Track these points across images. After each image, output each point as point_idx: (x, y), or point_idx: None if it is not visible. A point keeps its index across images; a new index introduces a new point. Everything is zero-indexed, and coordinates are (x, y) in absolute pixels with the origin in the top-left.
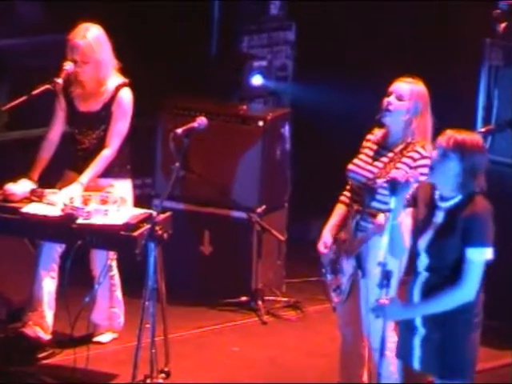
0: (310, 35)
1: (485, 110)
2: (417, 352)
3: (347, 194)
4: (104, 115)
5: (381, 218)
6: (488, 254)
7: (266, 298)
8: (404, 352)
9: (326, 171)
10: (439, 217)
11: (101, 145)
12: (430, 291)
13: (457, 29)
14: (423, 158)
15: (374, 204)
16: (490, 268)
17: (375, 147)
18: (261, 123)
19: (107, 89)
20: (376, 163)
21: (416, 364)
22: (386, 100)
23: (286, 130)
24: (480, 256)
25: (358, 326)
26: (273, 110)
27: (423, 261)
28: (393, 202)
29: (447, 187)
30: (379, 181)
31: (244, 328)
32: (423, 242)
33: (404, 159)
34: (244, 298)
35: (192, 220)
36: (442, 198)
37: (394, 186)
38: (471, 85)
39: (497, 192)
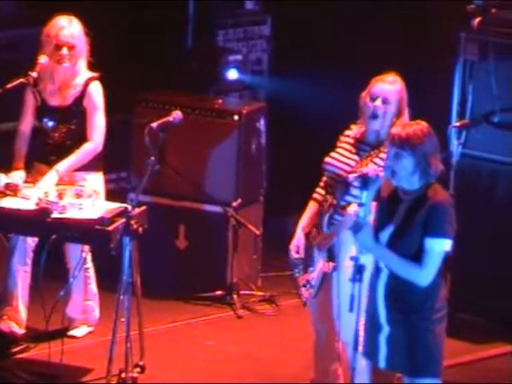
0: (285, 29)
1: (460, 104)
2: (383, 350)
3: (320, 191)
4: (75, 110)
5: (352, 207)
6: (447, 245)
7: (242, 292)
8: (370, 350)
9: (301, 165)
10: (401, 210)
11: (72, 139)
12: (395, 289)
13: (432, 23)
14: None
15: (349, 198)
16: (464, 262)
17: (353, 142)
18: (236, 117)
19: (78, 83)
20: (353, 157)
21: (382, 362)
22: (372, 104)
23: (262, 124)
24: (439, 246)
25: (331, 321)
26: (248, 104)
27: None
28: (364, 197)
29: (409, 182)
30: (351, 176)
31: (219, 322)
32: (385, 236)
33: (382, 155)
34: (219, 292)
35: (167, 214)
36: (406, 192)
37: (365, 181)
38: (446, 79)
39: (472, 186)
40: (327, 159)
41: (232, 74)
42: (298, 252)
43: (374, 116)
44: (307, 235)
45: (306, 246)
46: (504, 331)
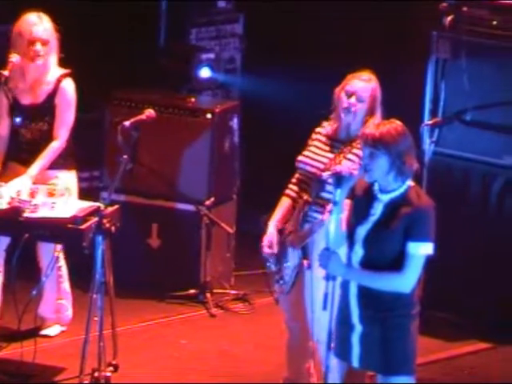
0: (257, 27)
1: (432, 102)
2: (356, 350)
3: (293, 187)
4: (47, 107)
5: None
6: (430, 249)
7: (215, 290)
8: (342, 350)
9: (275, 163)
10: (378, 209)
11: (45, 137)
12: (368, 287)
13: (405, 21)
14: None
15: (324, 195)
16: (439, 260)
17: (325, 139)
18: (209, 116)
19: (49, 80)
20: (326, 155)
21: (355, 362)
22: (347, 101)
23: (235, 123)
24: (422, 250)
25: (304, 319)
26: (221, 103)
27: (358, 253)
28: (337, 195)
29: (385, 181)
30: (324, 174)
31: (192, 321)
32: (360, 234)
33: (355, 150)
34: (192, 291)
35: (140, 213)
36: (382, 191)
37: (339, 179)
38: (419, 77)
39: (445, 184)
40: (300, 158)
41: (205, 73)
42: (270, 247)
43: (349, 112)
44: (280, 231)
45: (279, 241)
46: (477, 328)
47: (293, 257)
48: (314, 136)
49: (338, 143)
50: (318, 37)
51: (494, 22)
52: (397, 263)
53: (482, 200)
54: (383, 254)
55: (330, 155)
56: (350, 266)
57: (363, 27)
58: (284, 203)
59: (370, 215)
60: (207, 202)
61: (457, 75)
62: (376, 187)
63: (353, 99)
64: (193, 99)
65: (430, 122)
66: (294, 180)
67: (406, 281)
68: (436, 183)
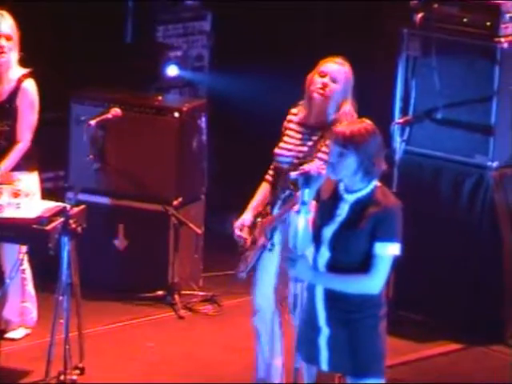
0: (225, 25)
1: (402, 100)
2: (324, 353)
3: (271, 172)
4: (8, 108)
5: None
6: (396, 249)
7: (183, 292)
8: (310, 354)
9: (243, 162)
10: (343, 209)
11: (6, 138)
12: (332, 291)
13: (375, 19)
14: None
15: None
16: (409, 260)
17: (299, 128)
18: (177, 114)
19: (11, 78)
20: (304, 143)
21: (324, 365)
22: (320, 81)
23: (203, 121)
24: (389, 251)
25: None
26: (189, 101)
27: (324, 255)
28: (305, 195)
29: (352, 181)
30: (292, 174)
31: (160, 323)
32: (326, 236)
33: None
34: (160, 293)
35: (107, 213)
36: (348, 191)
37: (307, 179)
38: (389, 76)
39: (415, 183)
40: (277, 151)
41: (172, 71)
42: (241, 230)
43: (321, 91)
44: (257, 214)
45: (254, 225)
46: (447, 329)
47: (261, 238)
48: (286, 125)
49: (310, 130)
50: (286, 34)
51: (465, 20)
52: (364, 265)
53: (453, 200)
54: (350, 256)
55: (307, 142)
56: (316, 269)
57: (331, 25)
58: (264, 188)
59: (335, 216)
60: (175, 202)
61: (427, 73)
62: (341, 187)
63: (327, 79)
64: (160, 98)
65: (401, 121)
66: (272, 167)
67: (374, 282)
68: (407, 182)
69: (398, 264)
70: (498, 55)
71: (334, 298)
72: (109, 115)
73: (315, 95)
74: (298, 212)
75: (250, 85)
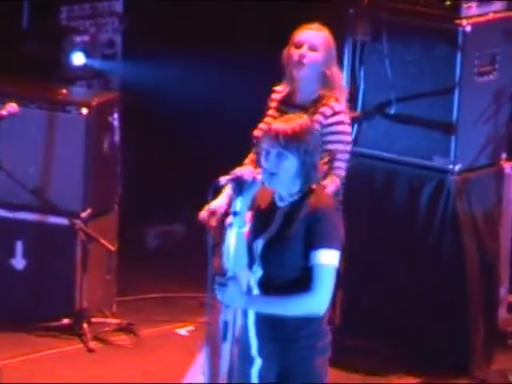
0: (140, 4)
1: (349, 93)
2: None
3: (251, 156)
4: None
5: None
6: (335, 258)
7: (93, 320)
8: None
9: (163, 165)
10: (277, 219)
11: None
12: (266, 314)
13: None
14: (336, 113)
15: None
16: (355, 277)
17: (282, 107)
18: (84, 110)
19: None
20: None
21: None
22: (297, 52)
23: (115, 118)
24: (325, 259)
25: None
26: (99, 95)
27: (256, 273)
28: (238, 205)
29: (291, 188)
30: (222, 178)
31: (66, 357)
32: (257, 250)
33: (316, 116)
34: (66, 321)
35: (1, 228)
36: (281, 197)
37: (240, 186)
38: None
39: (366, 190)
40: (256, 133)
41: (78, 59)
42: (211, 216)
43: (300, 63)
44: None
45: (227, 213)
46: (402, 359)
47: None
48: (269, 104)
49: (295, 109)
50: (211, 16)
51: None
52: (303, 281)
53: (409, 208)
54: (285, 271)
55: None
56: (250, 290)
57: (262, 6)
58: None
59: (268, 227)
60: (83, 214)
61: (377, 61)
62: (276, 194)
63: (304, 49)
64: (64, 91)
65: None
66: (246, 161)
67: (317, 299)
68: (355, 189)
69: (344, 283)
70: (459, 40)
71: (265, 325)
72: (3, 112)
73: (295, 72)
74: (231, 225)
75: (170, 75)
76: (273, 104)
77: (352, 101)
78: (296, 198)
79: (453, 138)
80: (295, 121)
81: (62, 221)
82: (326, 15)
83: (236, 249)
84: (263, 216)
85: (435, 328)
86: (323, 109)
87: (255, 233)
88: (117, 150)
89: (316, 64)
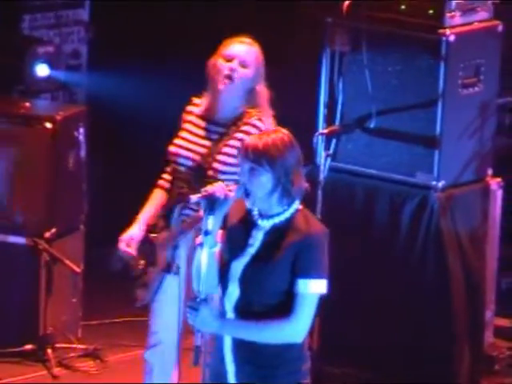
0: (107, 14)
1: (327, 106)
2: None
3: (166, 176)
4: None
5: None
6: (322, 286)
7: (58, 345)
8: None
9: (132, 182)
10: (257, 238)
11: None
12: (243, 340)
13: (291, 7)
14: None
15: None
16: (337, 301)
17: (200, 122)
18: (48, 125)
19: None
20: (204, 142)
21: None
22: (227, 66)
23: (81, 133)
24: (313, 289)
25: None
26: (64, 108)
27: (233, 295)
28: (209, 223)
29: (268, 204)
30: (193, 197)
31: None
32: (236, 271)
33: (238, 134)
34: (29, 347)
35: None
36: (263, 216)
37: (211, 203)
38: (310, 75)
39: (344, 208)
40: (172, 148)
41: (42, 70)
42: (129, 245)
43: (229, 78)
44: (150, 228)
45: (146, 240)
46: None
47: (161, 259)
48: (185, 117)
49: (213, 125)
50: (182, 24)
51: (402, 7)
52: (282, 307)
53: (390, 227)
54: (264, 295)
55: (206, 142)
56: (224, 314)
57: (237, 13)
58: (157, 196)
59: (247, 246)
60: (47, 234)
61: (357, 72)
62: (256, 211)
63: (234, 63)
64: (27, 104)
65: (326, 131)
66: (168, 169)
67: (297, 328)
68: (333, 207)
69: (323, 306)
70: (442, 50)
71: (243, 350)
72: None
73: (222, 87)
74: (201, 245)
75: (139, 87)
76: (190, 118)
77: (330, 114)
78: (282, 218)
79: (436, 153)
80: (269, 135)
81: (24, 240)
82: (302, 24)
83: (208, 270)
84: (239, 233)
85: (418, 352)
86: (246, 127)
87: (232, 252)
88: (83, 167)
89: (246, 80)
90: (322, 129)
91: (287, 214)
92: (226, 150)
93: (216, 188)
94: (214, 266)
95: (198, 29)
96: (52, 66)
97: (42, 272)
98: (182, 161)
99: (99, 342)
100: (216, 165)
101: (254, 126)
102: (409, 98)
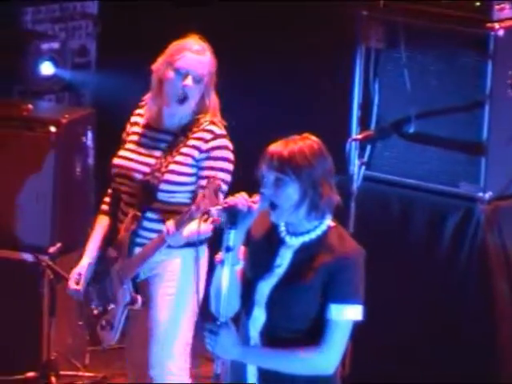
0: (118, 6)
1: (361, 109)
2: None
3: (110, 200)
4: None
5: (169, 224)
6: (357, 313)
7: (63, 372)
8: None
9: None
10: (285, 258)
11: None
12: (269, 370)
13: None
14: (217, 137)
15: (157, 205)
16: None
17: (145, 131)
18: (53, 129)
19: None
20: (152, 152)
21: None
22: (180, 84)
23: (89, 138)
24: (347, 315)
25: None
26: (69, 111)
27: (259, 319)
28: (231, 239)
29: (296, 218)
30: (213, 209)
31: None
32: (263, 293)
33: (192, 142)
34: (31, 374)
35: None
36: (291, 232)
37: (233, 217)
38: (343, 75)
39: (379, 221)
40: (117, 161)
41: (46, 69)
42: (78, 283)
43: (185, 98)
44: (102, 259)
45: (101, 273)
46: None
47: (122, 292)
48: (129, 128)
49: (162, 134)
50: (195, 19)
51: (444, 0)
52: (313, 333)
53: (430, 242)
54: (293, 321)
55: (155, 152)
56: (247, 340)
57: (260, 7)
58: (102, 223)
59: (274, 266)
60: (51, 250)
61: (394, 71)
62: (283, 227)
63: (189, 81)
64: (29, 106)
65: (359, 137)
66: (109, 191)
67: (328, 359)
68: (367, 220)
69: (356, 329)
70: (490, 46)
71: (269, 379)
72: None
73: (175, 104)
74: (222, 263)
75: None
76: (135, 129)
77: (364, 117)
78: (313, 236)
79: (482, 161)
80: (296, 143)
81: (27, 257)
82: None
83: (228, 291)
84: (264, 250)
85: (457, 376)
86: (199, 134)
87: (256, 271)
88: (90, 175)
89: (197, 96)
90: (356, 134)
91: (318, 232)
92: (178, 158)
93: (238, 199)
94: (235, 286)
95: (213, 26)
96: (57, 63)
97: (46, 291)
98: (128, 173)
99: (108, 369)
100: (168, 176)
101: (208, 130)
102: (451, 100)
